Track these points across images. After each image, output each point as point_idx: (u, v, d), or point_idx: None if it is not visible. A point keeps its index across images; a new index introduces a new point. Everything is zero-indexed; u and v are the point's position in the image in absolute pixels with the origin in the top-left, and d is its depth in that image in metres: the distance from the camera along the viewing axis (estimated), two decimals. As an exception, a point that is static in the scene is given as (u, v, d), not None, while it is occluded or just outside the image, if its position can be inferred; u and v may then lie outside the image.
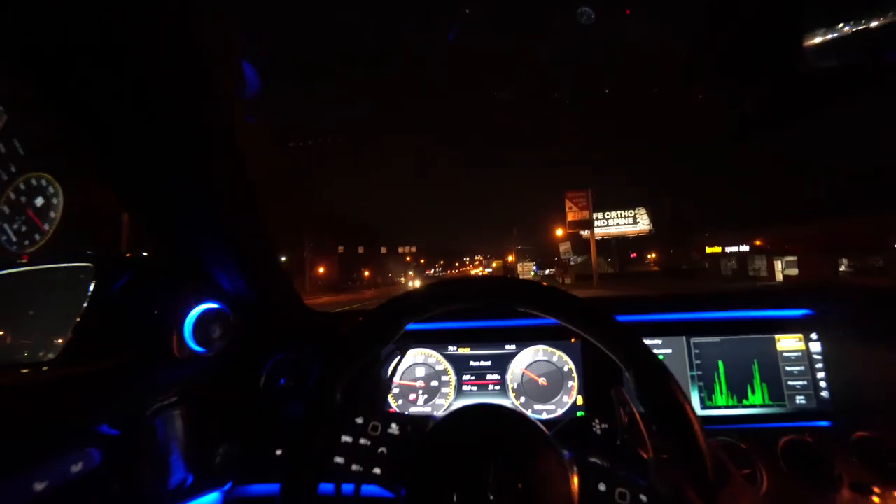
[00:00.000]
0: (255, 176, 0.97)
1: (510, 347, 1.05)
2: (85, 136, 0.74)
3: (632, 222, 38.01)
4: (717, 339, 1.03)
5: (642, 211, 37.90)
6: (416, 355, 1.06)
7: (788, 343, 1.02)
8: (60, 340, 0.82)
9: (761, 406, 0.98)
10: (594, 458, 0.59)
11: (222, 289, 0.95)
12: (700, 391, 1.00)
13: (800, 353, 1.01)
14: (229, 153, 0.87)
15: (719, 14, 0.55)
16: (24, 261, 0.88)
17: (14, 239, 0.89)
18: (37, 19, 0.58)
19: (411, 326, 0.61)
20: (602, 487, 0.53)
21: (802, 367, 1.00)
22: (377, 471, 0.54)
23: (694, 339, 1.03)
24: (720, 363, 1.01)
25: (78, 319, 0.81)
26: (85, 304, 0.81)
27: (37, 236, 0.89)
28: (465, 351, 1.06)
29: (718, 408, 0.99)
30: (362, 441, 0.55)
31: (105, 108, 0.70)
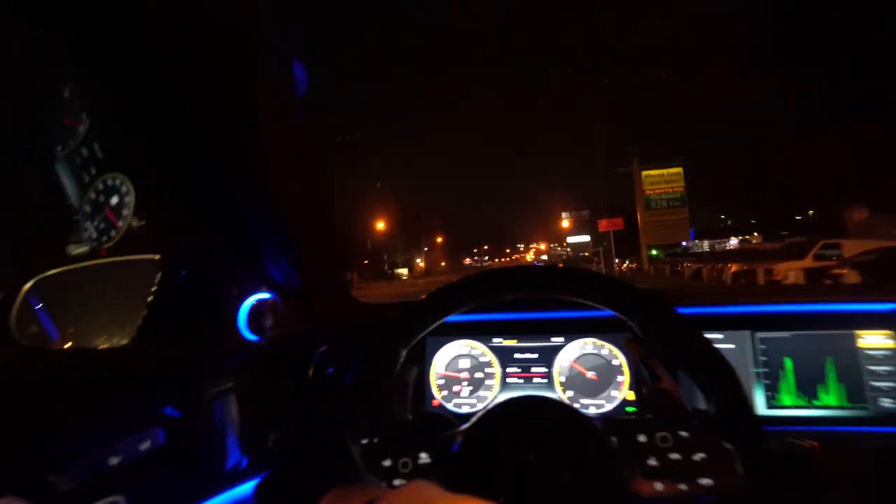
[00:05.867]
0: (306, 169, 1.01)
1: (557, 340, 1.02)
2: (149, 134, 0.81)
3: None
4: (786, 334, 0.94)
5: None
6: (460, 347, 1.05)
7: (873, 339, 0.91)
8: (132, 327, 0.89)
9: (837, 408, 0.89)
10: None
11: (274, 279, 1.00)
12: (765, 389, 0.92)
13: (888, 352, 0.90)
14: (283, 148, 0.92)
15: None
16: (103, 255, 0.97)
17: (94, 235, 0.98)
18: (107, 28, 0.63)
19: (455, 318, 0.61)
20: (642, 438, 0.53)
21: (891, 367, 0.89)
22: None
23: (759, 334, 0.95)
24: (787, 360, 0.93)
25: (146, 308, 0.88)
26: (152, 294, 0.88)
27: (112, 232, 0.97)
28: (511, 343, 1.04)
29: (785, 407, 0.91)
30: (396, 483, 0.54)
31: (163, 105, 0.76)
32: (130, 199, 0.93)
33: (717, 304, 0.99)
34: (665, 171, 23.83)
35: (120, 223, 0.96)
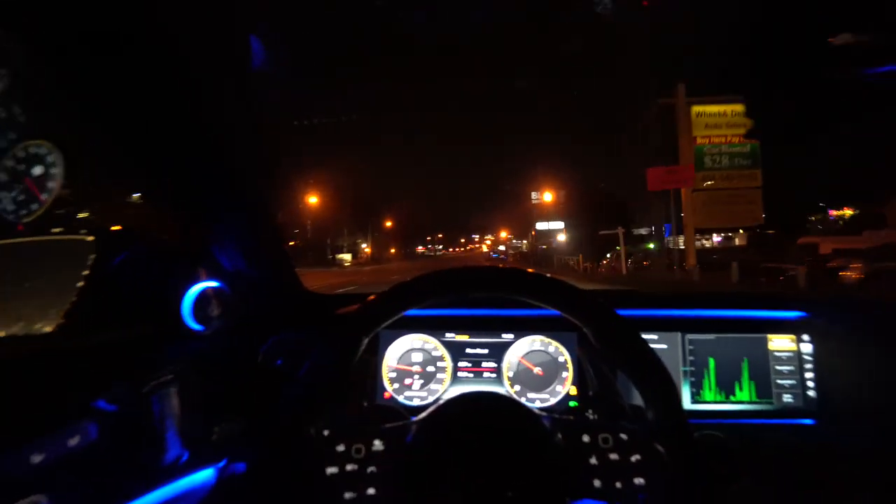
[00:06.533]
0: (257, 155, 0.96)
1: (507, 336, 1.06)
2: (88, 106, 0.73)
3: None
4: (711, 336, 1.05)
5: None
6: (413, 340, 1.06)
7: (780, 343, 1.04)
8: (57, 314, 0.82)
9: (748, 403, 1.01)
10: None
11: (222, 267, 0.95)
12: (691, 386, 1.02)
13: (791, 353, 1.03)
14: (232, 130, 0.87)
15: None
16: (20, 230, 0.87)
17: (11, 208, 0.88)
18: None
19: (408, 312, 0.62)
20: (586, 438, 0.57)
21: (792, 367, 1.02)
22: (371, 491, 0.53)
23: (689, 336, 1.05)
24: (711, 360, 1.04)
25: (76, 293, 0.80)
26: (83, 278, 0.81)
27: (34, 206, 0.87)
28: (463, 338, 1.07)
29: (707, 403, 1.01)
30: (349, 467, 0.55)
31: (106, 77, 0.69)
32: (58, 171, 0.84)
33: (653, 307, 1.08)
34: (729, 109, 13.96)
35: (44, 196, 0.86)
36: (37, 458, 0.60)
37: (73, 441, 0.65)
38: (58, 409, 0.66)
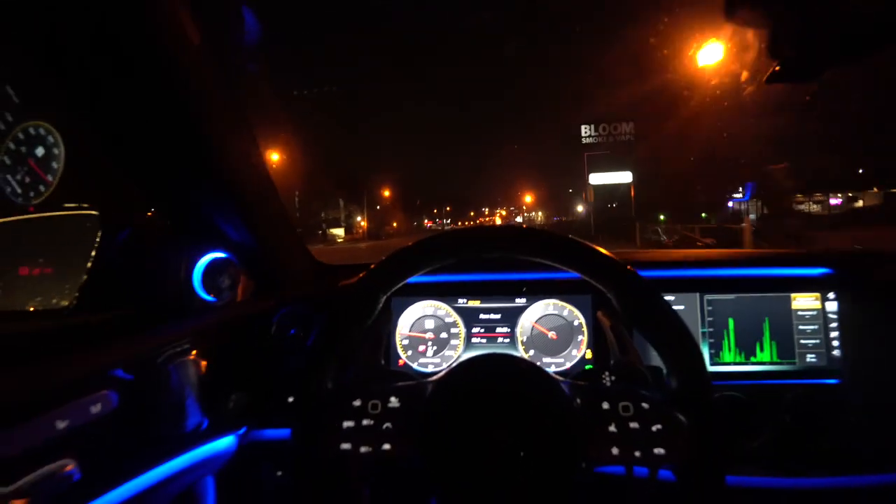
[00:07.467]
0: (254, 123, 0.94)
1: (520, 301, 1.05)
2: (76, 86, 0.71)
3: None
4: (731, 296, 1.01)
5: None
6: (425, 307, 1.06)
7: (804, 302, 1.00)
8: (71, 289, 0.83)
9: (769, 363, 0.98)
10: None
11: (229, 238, 0.95)
12: (710, 347, 1.00)
13: (815, 312, 0.99)
14: (228, 102, 0.84)
15: None
16: (31, 212, 0.88)
17: (19, 191, 0.88)
18: None
19: (420, 279, 0.60)
20: (605, 406, 0.55)
21: (816, 326, 0.98)
22: (387, 447, 0.53)
23: (707, 296, 1.02)
24: (730, 320, 1.00)
25: (87, 268, 0.81)
26: (93, 253, 0.82)
27: (41, 188, 0.87)
28: (475, 304, 1.06)
29: (726, 364, 0.99)
30: (365, 422, 0.55)
31: (92, 55, 0.67)
32: (59, 152, 0.84)
33: (670, 267, 1.04)
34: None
35: (49, 178, 0.87)
36: (61, 424, 0.61)
37: (95, 408, 0.67)
38: (77, 379, 0.68)
